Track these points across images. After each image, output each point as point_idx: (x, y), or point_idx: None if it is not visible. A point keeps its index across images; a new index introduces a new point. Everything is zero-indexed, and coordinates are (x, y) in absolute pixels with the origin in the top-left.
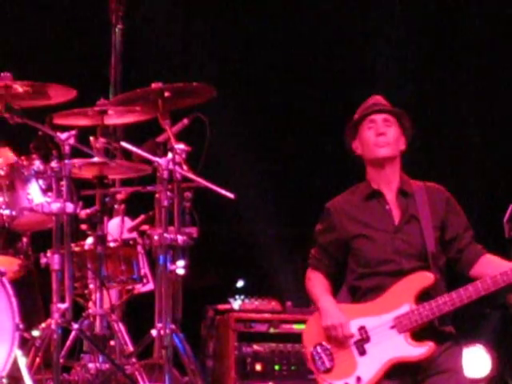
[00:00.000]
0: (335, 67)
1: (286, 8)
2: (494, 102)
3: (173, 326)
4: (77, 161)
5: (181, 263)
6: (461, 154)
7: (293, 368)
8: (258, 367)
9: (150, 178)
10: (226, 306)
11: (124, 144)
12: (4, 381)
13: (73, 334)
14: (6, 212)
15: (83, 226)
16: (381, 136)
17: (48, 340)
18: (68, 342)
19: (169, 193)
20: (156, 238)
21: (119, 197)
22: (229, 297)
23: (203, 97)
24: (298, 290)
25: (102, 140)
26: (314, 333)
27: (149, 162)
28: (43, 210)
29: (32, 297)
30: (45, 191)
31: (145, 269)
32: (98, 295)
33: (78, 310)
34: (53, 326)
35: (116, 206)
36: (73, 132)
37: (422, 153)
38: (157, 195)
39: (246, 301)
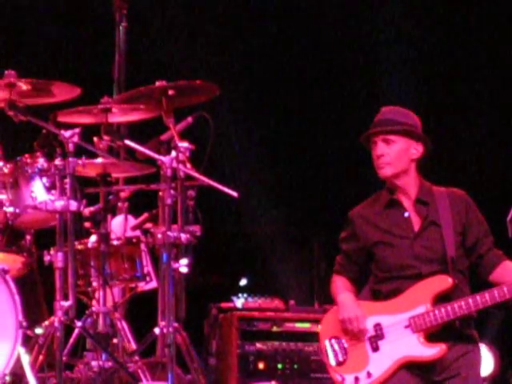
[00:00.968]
0: (340, 67)
1: (292, 6)
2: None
3: (176, 325)
4: (81, 161)
5: (184, 261)
6: (465, 153)
7: (295, 366)
8: (261, 365)
9: (154, 176)
10: (229, 305)
11: (128, 142)
12: (7, 378)
13: (76, 331)
14: (10, 209)
15: (87, 224)
16: (379, 158)
17: (51, 338)
18: (71, 340)
19: (172, 191)
20: (159, 236)
21: (123, 195)
22: (232, 295)
23: (207, 95)
24: (300, 288)
25: (105, 138)
26: (330, 326)
27: (152, 161)
28: (47, 208)
29: (35, 294)
30: (48, 189)
31: (148, 267)
32: (101, 293)
33: (81, 308)
34: (56, 324)
35: (119, 204)
36: (77, 130)
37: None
38: (160, 193)
39: (249, 299)
